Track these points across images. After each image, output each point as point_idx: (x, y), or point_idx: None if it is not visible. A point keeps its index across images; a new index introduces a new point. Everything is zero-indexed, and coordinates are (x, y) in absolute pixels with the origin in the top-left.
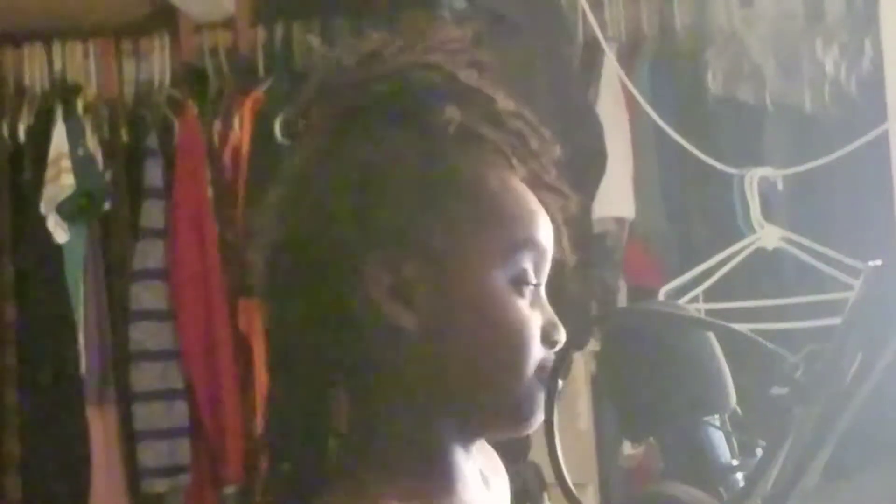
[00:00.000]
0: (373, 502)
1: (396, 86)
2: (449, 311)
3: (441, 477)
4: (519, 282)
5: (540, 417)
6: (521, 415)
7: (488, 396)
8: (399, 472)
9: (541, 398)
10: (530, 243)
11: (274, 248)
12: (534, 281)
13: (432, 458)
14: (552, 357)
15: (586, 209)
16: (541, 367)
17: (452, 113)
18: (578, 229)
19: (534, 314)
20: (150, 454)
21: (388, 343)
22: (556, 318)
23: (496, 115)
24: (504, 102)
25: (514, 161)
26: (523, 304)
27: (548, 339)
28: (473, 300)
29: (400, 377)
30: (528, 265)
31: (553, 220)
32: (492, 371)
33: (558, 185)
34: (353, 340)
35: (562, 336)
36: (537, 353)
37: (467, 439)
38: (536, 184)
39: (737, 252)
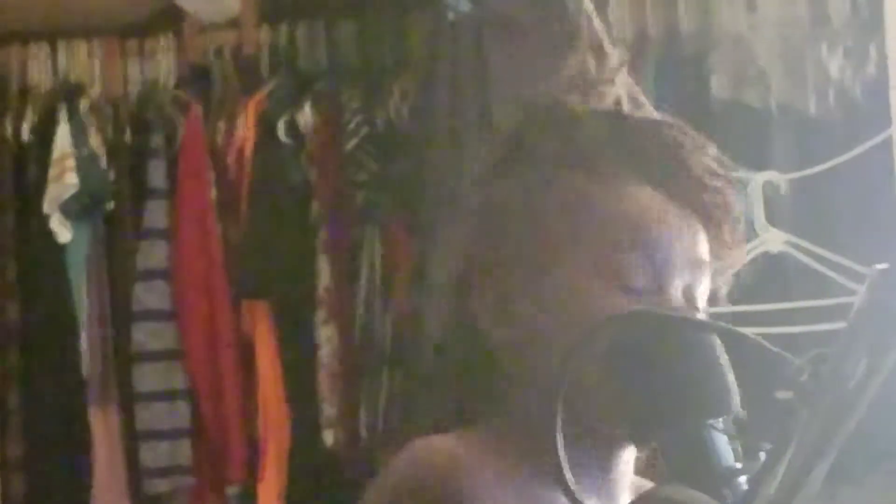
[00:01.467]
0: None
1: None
2: (545, 322)
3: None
4: (626, 286)
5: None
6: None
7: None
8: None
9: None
10: (635, 244)
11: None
12: (641, 283)
13: (541, 455)
14: None
15: None
16: None
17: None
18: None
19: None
20: (152, 455)
21: (501, 354)
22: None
23: (620, 130)
24: (641, 117)
25: (643, 171)
26: (624, 304)
27: None
28: (565, 308)
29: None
30: (634, 267)
31: (712, 217)
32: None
33: (720, 183)
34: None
35: None
36: None
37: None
38: (696, 188)
39: None
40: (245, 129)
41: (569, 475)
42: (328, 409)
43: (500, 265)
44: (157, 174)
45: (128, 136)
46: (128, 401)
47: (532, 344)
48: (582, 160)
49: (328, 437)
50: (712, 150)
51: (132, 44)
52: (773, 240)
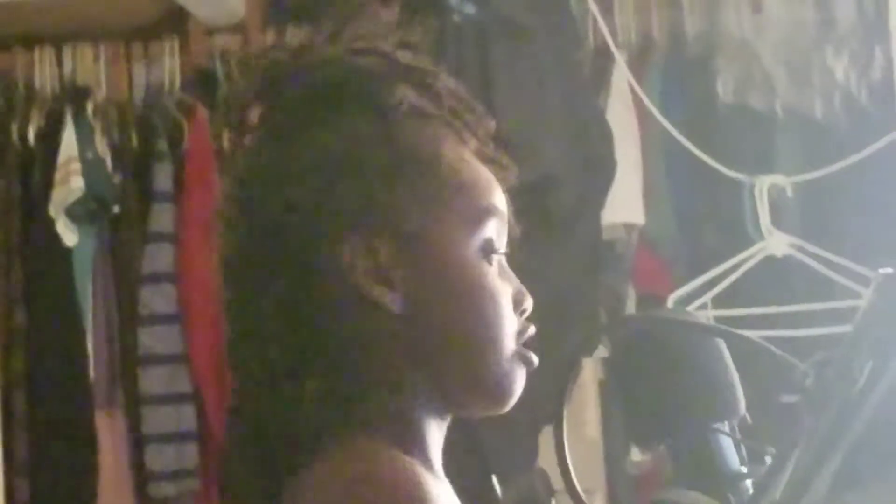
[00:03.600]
0: (374, 454)
1: (342, 71)
2: (427, 288)
3: (420, 450)
4: (487, 251)
5: (516, 396)
6: (500, 391)
7: (469, 370)
8: (385, 440)
9: (521, 376)
10: (492, 210)
11: (240, 242)
12: (500, 249)
13: (412, 430)
14: (528, 327)
15: (596, 215)
16: (519, 339)
17: (404, 92)
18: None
19: (503, 284)
20: (158, 458)
21: (370, 322)
22: (522, 286)
23: (436, 92)
24: (443, 79)
25: (464, 135)
26: (493, 274)
27: (518, 307)
28: (448, 275)
29: (380, 354)
30: (493, 234)
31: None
32: (471, 344)
33: (498, 156)
34: (330, 322)
35: (529, 303)
36: (511, 322)
37: (443, 416)
38: (479, 157)
39: (746, 259)
40: None
41: (575, 479)
42: None
43: (363, 224)
44: (162, 178)
45: (133, 140)
46: (134, 404)
47: (414, 309)
48: (424, 114)
49: None
50: (492, 123)
51: (137, 47)
52: (778, 243)
